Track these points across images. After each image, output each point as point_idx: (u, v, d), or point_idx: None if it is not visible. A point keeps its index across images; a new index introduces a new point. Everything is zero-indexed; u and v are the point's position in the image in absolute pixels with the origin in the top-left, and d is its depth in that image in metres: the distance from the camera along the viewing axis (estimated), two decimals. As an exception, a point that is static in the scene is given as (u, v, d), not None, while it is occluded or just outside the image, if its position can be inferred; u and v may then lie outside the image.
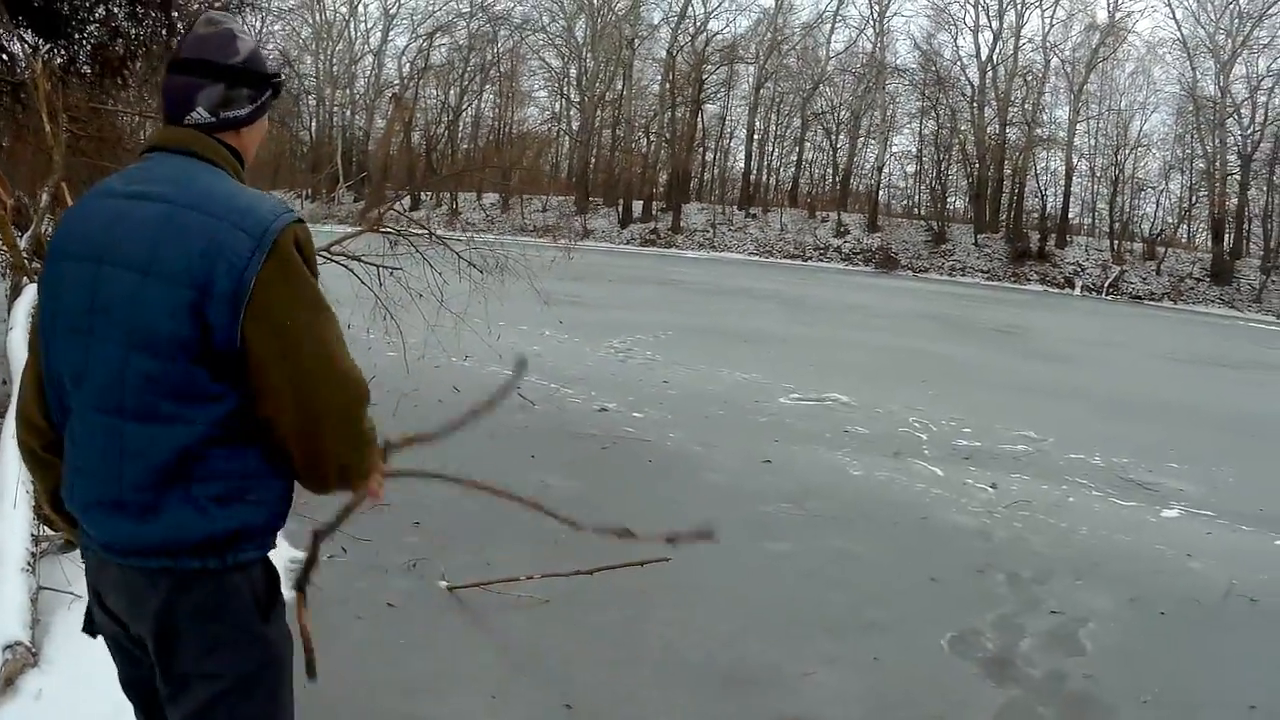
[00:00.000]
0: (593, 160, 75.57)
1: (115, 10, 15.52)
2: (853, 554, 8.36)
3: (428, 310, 12.58)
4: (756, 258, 62.55)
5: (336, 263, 12.54)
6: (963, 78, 66.93)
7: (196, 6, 15.97)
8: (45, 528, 6.25)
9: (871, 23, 70.01)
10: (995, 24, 65.59)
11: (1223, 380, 23.46)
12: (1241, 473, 12.81)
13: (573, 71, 77.54)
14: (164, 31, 15.62)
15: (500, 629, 6.47)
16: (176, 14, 15.47)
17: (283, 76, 2.86)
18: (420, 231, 13.37)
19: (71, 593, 5.71)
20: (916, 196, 71.29)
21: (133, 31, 15.68)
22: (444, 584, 6.94)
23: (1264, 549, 9.69)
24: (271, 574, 2.68)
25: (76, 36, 15.48)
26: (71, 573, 6.06)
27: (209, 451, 2.48)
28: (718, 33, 72.67)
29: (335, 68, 79.96)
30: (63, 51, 15.11)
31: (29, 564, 5.61)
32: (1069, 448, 13.08)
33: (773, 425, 13.19)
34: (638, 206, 70.55)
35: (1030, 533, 9.31)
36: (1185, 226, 65.88)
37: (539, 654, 6.14)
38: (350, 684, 5.57)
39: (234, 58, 2.69)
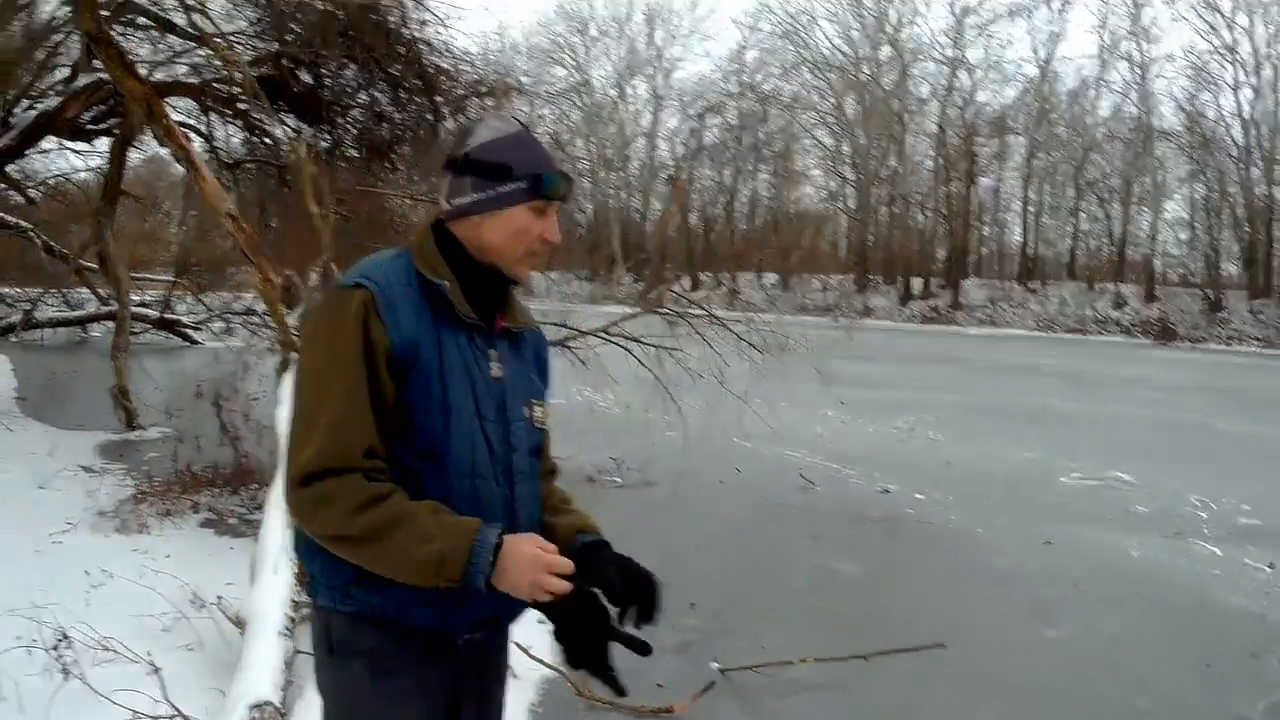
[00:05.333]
0: (870, 238, 75.25)
1: (378, 95, 16.09)
2: (1128, 639, 8.05)
3: (708, 391, 12.61)
4: (1038, 332, 61.26)
5: (614, 343, 12.70)
6: (1228, 138, 64.49)
7: (461, 92, 16.41)
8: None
9: (1134, 86, 68.33)
10: (1253, 79, 63.10)
11: None
12: None
13: (845, 148, 77.50)
14: (429, 116, 16.14)
15: (771, 712, 6.32)
16: (441, 98, 15.94)
17: (532, 169, 2.78)
18: (699, 313, 13.47)
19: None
20: (1191, 264, 69.02)
21: (397, 116, 16.23)
22: (716, 665, 6.79)
23: None
24: (358, 627, 2.71)
25: (340, 121, 16.09)
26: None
27: None
28: (986, 104, 72.05)
29: (608, 150, 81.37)
30: (327, 136, 15.71)
31: (288, 628, 5.76)
32: (1351, 522, 12.44)
33: (1055, 506, 12.77)
34: (917, 284, 70.04)
35: (1305, 612, 8.90)
36: None
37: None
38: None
39: (462, 149, 2.80)
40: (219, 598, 6.55)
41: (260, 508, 10.07)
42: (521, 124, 2.87)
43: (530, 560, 2.52)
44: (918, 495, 13.03)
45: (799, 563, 9.80)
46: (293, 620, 5.86)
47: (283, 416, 8.55)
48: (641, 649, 2.59)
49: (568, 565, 2.55)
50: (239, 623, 6.02)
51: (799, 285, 70.67)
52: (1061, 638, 8.03)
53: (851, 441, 16.90)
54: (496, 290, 2.85)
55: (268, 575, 6.13)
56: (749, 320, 13.94)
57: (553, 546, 2.57)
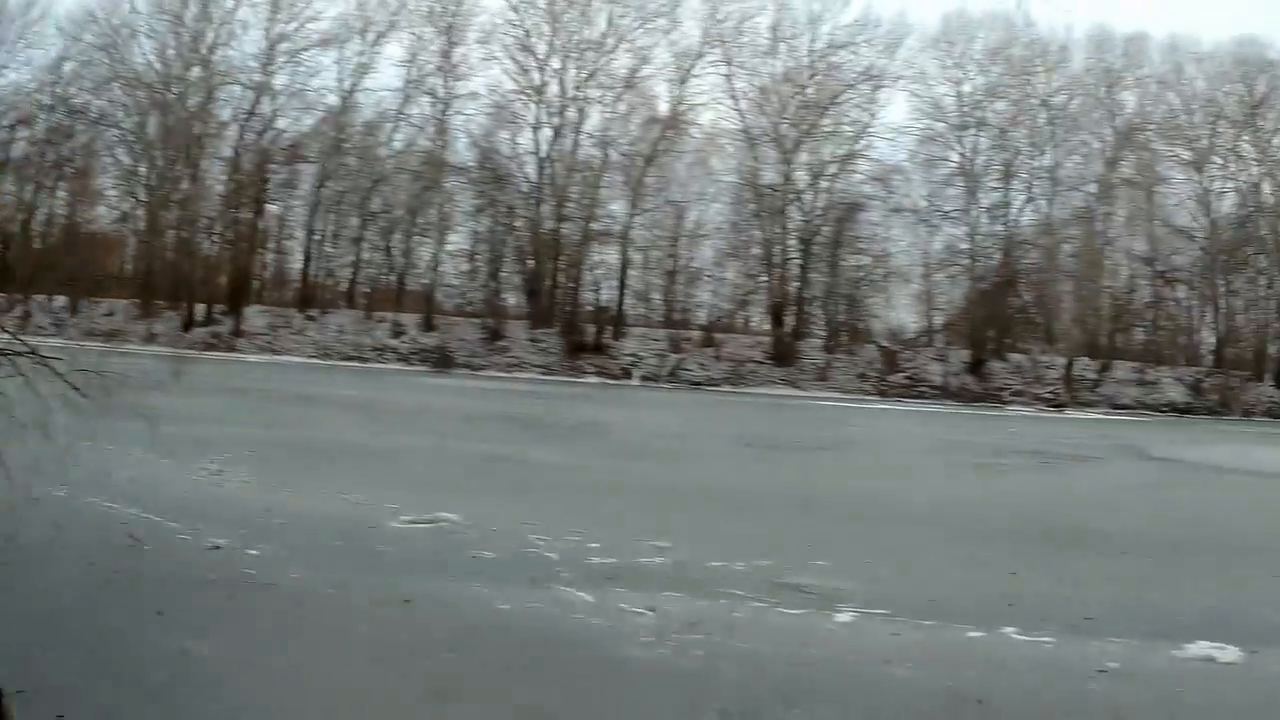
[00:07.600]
0: (158, 262, 73.24)
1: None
2: (549, 713, 7.82)
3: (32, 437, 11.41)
4: (317, 360, 61.83)
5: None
6: (519, 174, 68.59)
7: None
8: None
9: (433, 120, 70.64)
10: (555, 120, 67.49)
11: (818, 462, 25.35)
12: (888, 561, 13.30)
13: (143, 169, 75.18)
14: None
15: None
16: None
17: None
18: (23, 350, 12.36)
19: None
20: (471, 295, 71.99)
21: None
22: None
23: (957, 642, 9.84)
24: None
25: None
26: None
27: None
28: (284, 131, 71.95)
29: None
30: None
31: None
32: (705, 554, 12.95)
33: (398, 556, 12.46)
34: (201, 310, 68.83)
35: (716, 659, 8.95)
36: (744, 312, 69.71)
37: None
38: None
39: None
40: None
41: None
42: None
43: None
44: (250, 551, 12.35)
45: (153, 651, 8.60)
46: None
47: None
48: None
49: None
50: None
51: (87, 309, 67.94)
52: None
53: (167, 488, 15.81)
54: None
55: None
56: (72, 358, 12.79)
57: None
